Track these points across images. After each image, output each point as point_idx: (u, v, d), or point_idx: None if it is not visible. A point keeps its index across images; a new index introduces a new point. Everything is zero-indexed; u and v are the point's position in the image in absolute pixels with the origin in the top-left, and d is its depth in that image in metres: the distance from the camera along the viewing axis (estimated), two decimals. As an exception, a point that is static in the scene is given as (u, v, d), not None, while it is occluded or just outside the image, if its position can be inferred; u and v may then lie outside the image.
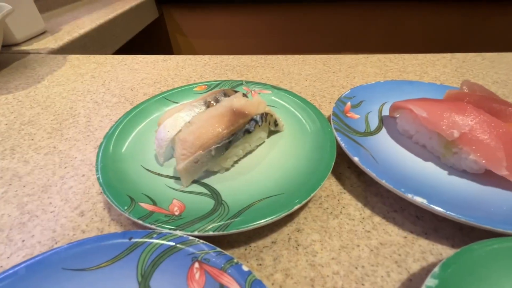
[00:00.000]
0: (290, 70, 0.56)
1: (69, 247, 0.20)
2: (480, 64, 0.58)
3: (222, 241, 0.25)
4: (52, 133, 0.39)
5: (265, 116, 0.30)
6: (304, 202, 0.24)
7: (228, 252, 0.24)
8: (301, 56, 0.62)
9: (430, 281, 0.19)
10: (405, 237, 0.26)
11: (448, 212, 0.23)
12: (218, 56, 0.63)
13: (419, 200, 0.24)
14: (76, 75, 0.55)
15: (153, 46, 1.48)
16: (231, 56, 0.62)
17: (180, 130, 0.27)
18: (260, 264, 0.24)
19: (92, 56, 0.63)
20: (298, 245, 0.25)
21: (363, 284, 0.22)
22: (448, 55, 0.62)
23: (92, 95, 0.48)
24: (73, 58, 0.62)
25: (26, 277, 0.19)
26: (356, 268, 0.23)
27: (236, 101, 0.30)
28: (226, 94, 0.32)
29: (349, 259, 0.24)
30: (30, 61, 0.61)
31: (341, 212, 0.28)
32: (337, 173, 0.32)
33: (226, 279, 0.19)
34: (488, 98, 0.30)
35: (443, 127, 0.28)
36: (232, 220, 0.23)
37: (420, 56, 0.62)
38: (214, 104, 0.31)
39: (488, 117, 0.27)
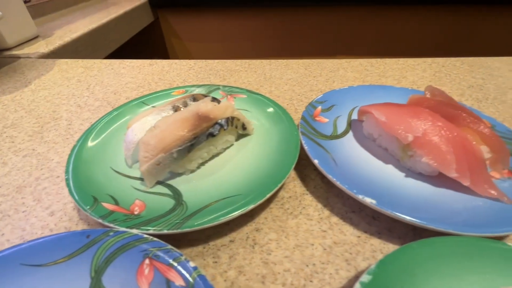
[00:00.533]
0: (272, 75, 0.58)
1: (28, 244, 0.21)
2: (459, 68, 0.59)
3: (182, 240, 0.26)
4: (33, 136, 0.40)
5: (231, 120, 0.31)
6: (258, 203, 0.25)
7: (186, 250, 0.26)
8: (284, 60, 0.64)
9: (364, 277, 0.20)
10: (359, 237, 0.27)
11: (394, 212, 0.24)
12: (203, 60, 0.64)
13: (368, 200, 0.25)
14: (63, 79, 0.56)
15: (149, 49, 1.50)
16: (215, 61, 0.64)
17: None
18: (216, 262, 0.25)
19: (80, 60, 0.65)
20: (255, 244, 0.26)
21: (311, 281, 0.23)
22: (429, 60, 0.63)
23: (76, 98, 0.50)
24: (62, 63, 0.63)
25: (-14, 271, 0.20)
26: (307, 265, 0.25)
27: (203, 105, 0.31)
28: (195, 99, 0.34)
29: (302, 257, 0.25)
30: (20, 66, 0.62)
31: (300, 212, 0.29)
32: (303, 175, 0.33)
33: (173, 274, 0.20)
34: (445, 104, 0.31)
35: (399, 131, 0.29)
36: (187, 219, 0.24)
37: (401, 60, 0.63)
38: (182, 108, 0.32)
39: (442, 122, 0.29)
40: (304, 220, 0.28)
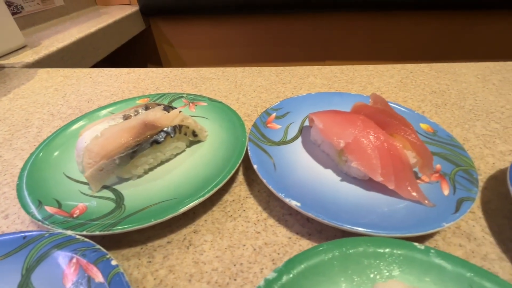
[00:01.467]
0: (243, 82, 0.60)
1: (-32, 244, 0.23)
2: (426, 74, 0.61)
3: (123, 240, 0.28)
4: (2, 143, 0.42)
5: (178, 128, 0.33)
6: (189, 206, 0.27)
7: (125, 251, 0.27)
8: (258, 68, 0.66)
9: (270, 274, 0.21)
10: (290, 238, 0.28)
11: (313, 214, 0.26)
12: (179, 68, 0.66)
13: (294, 203, 0.27)
14: (41, 88, 0.59)
15: (142, 57, 1.53)
16: (191, 69, 0.66)
17: (95, 141, 0.31)
18: (150, 261, 0.26)
19: (61, 69, 0.67)
20: (190, 245, 0.28)
21: (235, 279, 0.25)
22: (398, 66, 0.65)
23: (50, 107, 0.52)
24: (43, 72, 0.66)
25: None
26: (235, 265, 0.26)
27: (152, 114, 0.33)
28: (147, 108, 0.35)
29: (232, 257, 0.27)
30: (2, 75, 0.65)
31: (240, 215, 0.31)
32: (250, 180, 0.35)
33: (94, 272, 0.22)
34: (381, 111, 0.33)
35: (333, 137, 0.31)
36: (120, 221, 0.25)
37: (371, 67, 0.65)
38: (133, 117, 0.34)
39: (373, 129, 0.30)
40: (242, 222, 0.30)
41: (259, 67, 0.66)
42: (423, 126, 0.38)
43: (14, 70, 0.67)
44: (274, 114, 0.41)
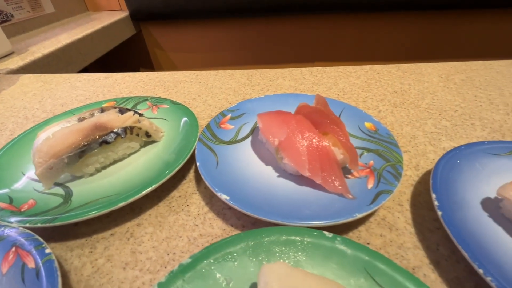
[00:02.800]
0: (213, 85, 0.62)
1: None
2: (392, 74, 0.63)
3: (69, 234, 0.30)
4: (-25, 145, 0.45)
5: (130, 129, 0.36)
6: (127, 202, 0.29)
7: (70, 242, 0.30)
8: (230, 71, 0.68)
9: (185, 260, 0.23)
10: (224, 230, 0.30)
11: (240, 207, 0.28)
12: (156, 72, 0.69)
13: (223, 197, 0.29)
14: (20, 93, 0.62)
15: (134, 61, 1.56)
16: (167, 72, 0.69)
17: (49, 142, 0.33)
18: (91, 251, 0.29)
19: (43, 75, 0.70)
20: (131, 237, 0.30)
21: (165, 267, 0.27)
22: (367, 67, 0.67)
23: (26, 111, 0.55)
24: (25, 78, 0.69)
25: None
26: (168, 254, 0.28)
27: (105, 116, 0.35)
28: (103, 111, 0.38)
29: (167, 247, 0.29)
30: (-14, 81, 0.68)
31: (183, 209, 0.33)
32: (199, 177, 0.37)
33: (29, 259, 0.24)
34: (318, 111, 0.35)
35: (270, 136, 0.33)
36: (60, 215, 0.28)
37: (340, 68, 0.67)
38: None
39: (306, 128, 0.32)
40: (183, 216, 0.32)
41: (231, 70, 0.68)
42: (367, 124, 0.40)
43: (-3, 77, 0.70)
44: (229, 115, 0.43)
